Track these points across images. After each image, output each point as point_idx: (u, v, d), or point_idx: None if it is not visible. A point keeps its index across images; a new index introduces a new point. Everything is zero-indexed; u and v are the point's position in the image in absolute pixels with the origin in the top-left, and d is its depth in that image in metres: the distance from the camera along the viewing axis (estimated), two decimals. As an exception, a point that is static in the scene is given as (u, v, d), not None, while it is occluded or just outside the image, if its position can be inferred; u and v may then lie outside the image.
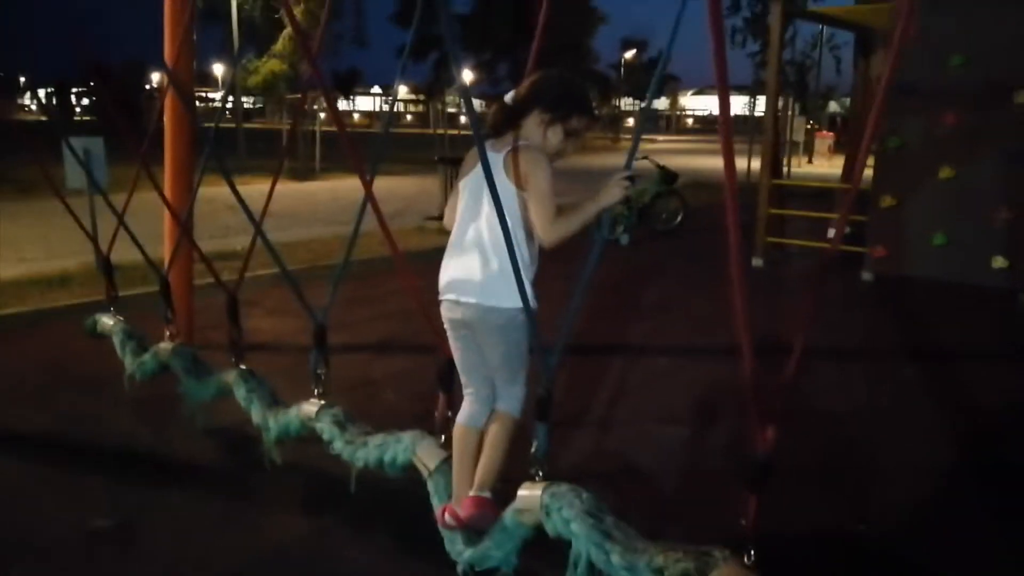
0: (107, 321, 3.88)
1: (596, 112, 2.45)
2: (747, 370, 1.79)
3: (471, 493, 2.35)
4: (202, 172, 3.42)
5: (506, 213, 1.98)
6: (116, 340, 3.75)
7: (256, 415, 2.96)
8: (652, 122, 67.12)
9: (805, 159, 25.15)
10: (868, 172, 8.28)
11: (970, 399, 4.31)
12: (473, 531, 2.33)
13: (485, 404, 2.44)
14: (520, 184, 2.22)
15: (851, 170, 10.00)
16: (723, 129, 1.60)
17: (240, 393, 3.03)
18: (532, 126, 2.30)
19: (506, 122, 2.33)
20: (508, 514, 2.18)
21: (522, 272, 2.04)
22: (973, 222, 6.70)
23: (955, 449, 3.62)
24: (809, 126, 29.13)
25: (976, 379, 4.63)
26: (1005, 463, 3.49)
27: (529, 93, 2.32)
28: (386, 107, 65.42)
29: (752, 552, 1.78)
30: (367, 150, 2.79)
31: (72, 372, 4.33)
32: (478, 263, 2.27)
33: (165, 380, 3.61)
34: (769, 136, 8.18)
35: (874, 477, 3.32)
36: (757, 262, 8.04)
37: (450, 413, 2.57)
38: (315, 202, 13.12)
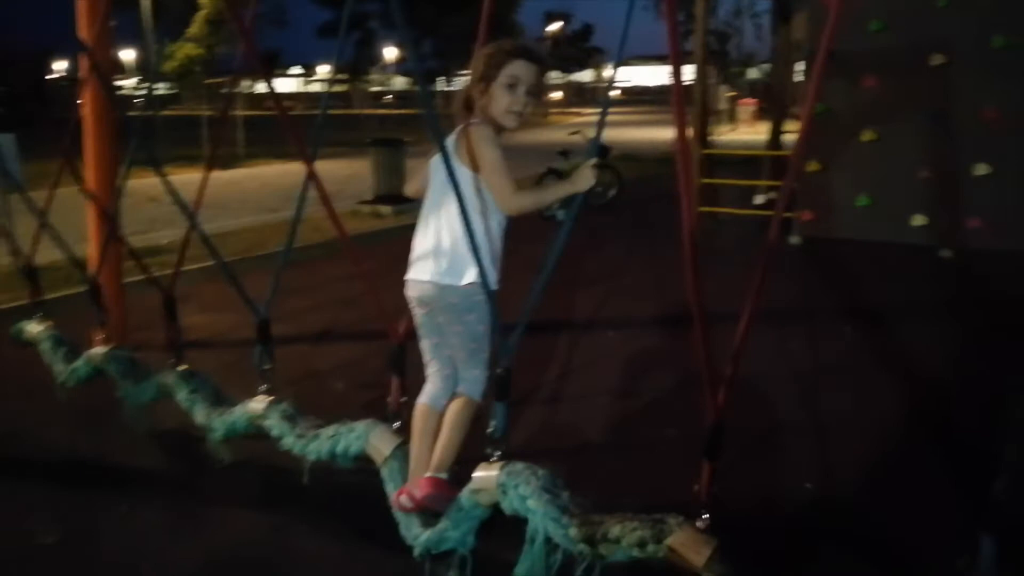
0: (34, 328, 3.69)
1: (538, 55, 2.35)
2: (698, 341, 1.82)
3: (427, 474, 2.34)
4: (129, 165, 3.28)
5: (463, 194, 1.98)
6: (45, 347, 3.57)
7: (200, 416, 2.87)
8: (580, 96, 67.37)
9: (729, 127, 25.66)
10: (792, 137, 8.53)
11: (903, 354, 4.50)
12: (429, 513, 2.32)
13: (447, 384, 2.44)
14: (473, 165, 2.21)
15: (777, 136, 10.23)
16: (677, 106, 1.60)
17: (182, 395, 2.94)
18: (479, 104, 2.28)
19: (462, 108, 2.32)
20: (465, 495, 2.18)
21: (480, 252, 2.03)
22: (894, 183, 6.97)
23: (894, 404, 3.78)
24: (733, 94, 29.73)
25: (906, 334, 4.83)
26: (940, 415, 3.65)
27: (470, 77, 2.31)
28: (308, 88, 63.94)
29: (705, 516, 1.83)
30: (305, 133, 2.71)
31: (1, 383, 4.12)
32: (436, 242, 2.29)
33: (101, 385, 3.47)
34: (698, 106, 8.30)
35: (817, 437, 3.44)
36: (691, 231, 8.20)
37: (404, 398, 2.55)
38: (243, 190, 12.76)
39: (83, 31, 4.04)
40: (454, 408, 2.39)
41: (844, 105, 7.07)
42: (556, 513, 1.91)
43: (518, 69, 2.26)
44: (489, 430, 2.11)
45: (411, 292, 2.39)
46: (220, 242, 7.51)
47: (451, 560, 2.25)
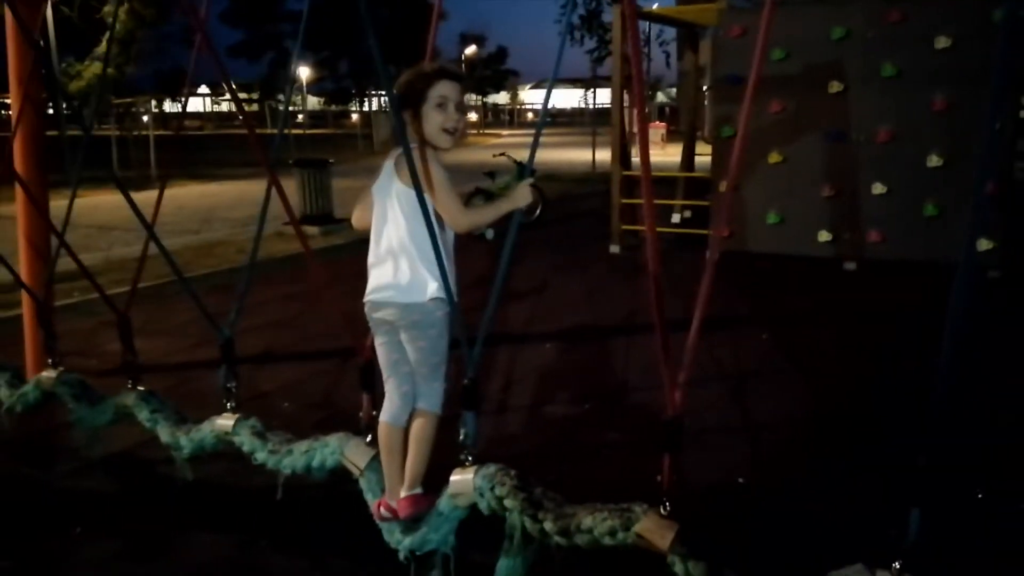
0: (-29, 354, 3.60)
1: (458, 74, 2.45)
2: (659, 342, 2.00)
3: (403, 493, 2.44)
4: (76, 184, 3.29)
5: (405, 213, 2.11)
6: (-15, 373, 3.49)
7: (164, 435, 2.88)
8: (496, 117, 68.09)
9: (658, 147, 26.49)
10: (706, 160, 8.99)
11: (813, 355, 4.86)
12: (410, 520, 2.42)
13: (405, 401, 2.51)
14: (414, 185, 2.29)
15: (689, 158, 10.72)
16: (641, 134, 1.78)
17: (143, 415, 2.93)
18: (412, 129, 2.36)
19: (398, 133, 2.41)
20: (443, 500, 2.30)
21: (441, 267, 2.17)
22: (801, 200, 7.44)
23: (807, 402, 4.09)
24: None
25: (815, 337, 5.22)
26: (848, 413, 3.97)
27: (396, 102, 2.37)
28: (216, 107, 62.41)
29: (667, 504, 2.00)
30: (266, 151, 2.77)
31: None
32: (392, 263, 2.36)
33: (45, 414, 3.41)
34: (616, 129, 8.64)
35: (746, 434, 3.70)
36: (614, 248, 8.50)
37: (375, 412, 2.63)
38: (161, 212, 12.41)
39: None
40: (418, 425, 2.46)
41: (752, 128, 7.51)
42: (532, 509, 2.05)
43: (445, 89, 2.34)
44: (460, 438, 2.24)
45: (373, 313, 2.45)
46: (151, 265, 7.41)
47: (434, 560, 2.37)
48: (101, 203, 13.01)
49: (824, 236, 7.45)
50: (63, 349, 4.40)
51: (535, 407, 4.06)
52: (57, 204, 3.15)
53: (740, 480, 3.23)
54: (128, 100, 18.06)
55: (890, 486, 2.62)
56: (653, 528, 1.91)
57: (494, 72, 56.90)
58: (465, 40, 50.23)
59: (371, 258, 2.45)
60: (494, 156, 11.10)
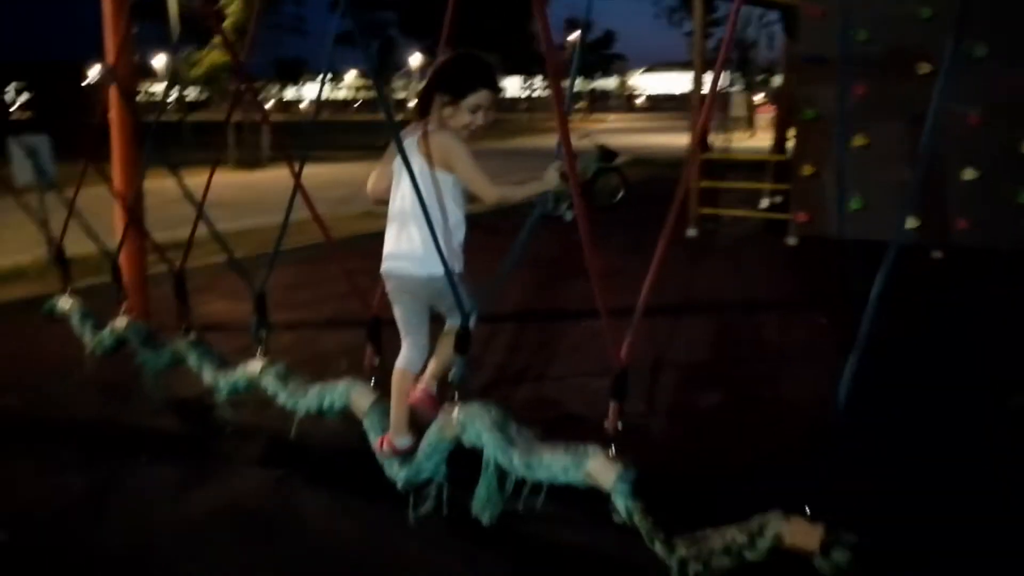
0: (64, 304, 4.11)
1: (497, 85, 2.63)
2: (598, 303, 2.14)
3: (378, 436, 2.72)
4: (146, 164, 3.67)
5: (422, 190, 2.30)
6: (74, 319, 3.98)
7: (207, 376, 3.26)
8: (603, 101, 67.67)
9: (748, 133, 25.80)
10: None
11: (887, 339, 4.77)
12: (407, 455, 2.69)
13: (422, 353, 2.77)
14: (434, 164, 2.52)
15: (781, 141, 10.48)
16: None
17: (191, 359, 3.32)
18: (438, 109, 2.56)
19: (422, 107, 2.62)
20: (432, 431, 2.56)
21: (440, 240, 2.37)
22: (886, 185, 7.19)
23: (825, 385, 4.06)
24: (762, 102, 29.86)
25: (891, 324, 5.09)
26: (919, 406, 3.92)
27: (431, 79, 2.58)
28: (334, 94, 64.75)
29: (613, 447, 2.18)
30: (304, 139, 3.07)
31: (35, 358, 4.53)
32: (403, 235, 2.59)
33: (125, 364, 3.86)
34: (696, 112, 8.56)
35: (741, 412, 3.75)
36: (691, 232, 8.47)
37: (378, 359, 2.90)
38: (262, 191, 13.23)
39: (108, 40, 4.45)
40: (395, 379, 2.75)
41: (835, 110, 7.33)
42: (504, 444, 2.27)
43: (483, 99, 2.53)
44: (450, 378, 2.47)
45: (387, 280, 2.70)
46: (237, 239, 8.01)
47: (429, 489, 2.63)
48: (215, 182, 13.94)
49: (910, 222, 7.19)
50: (160, 309, 4.98)
51: (566, 378, 4.22)
52: (174, 183, 3.55)
53: (716, 444, 3.32)
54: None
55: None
56: (600, 468, 2.09)
57: (600, 57, 56.42)
58: (570, 25, 50.05)
59: (392, 230, 2.66)
60: (577, 139, 11.18)
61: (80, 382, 4.03)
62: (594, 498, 2.24)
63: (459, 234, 2.64)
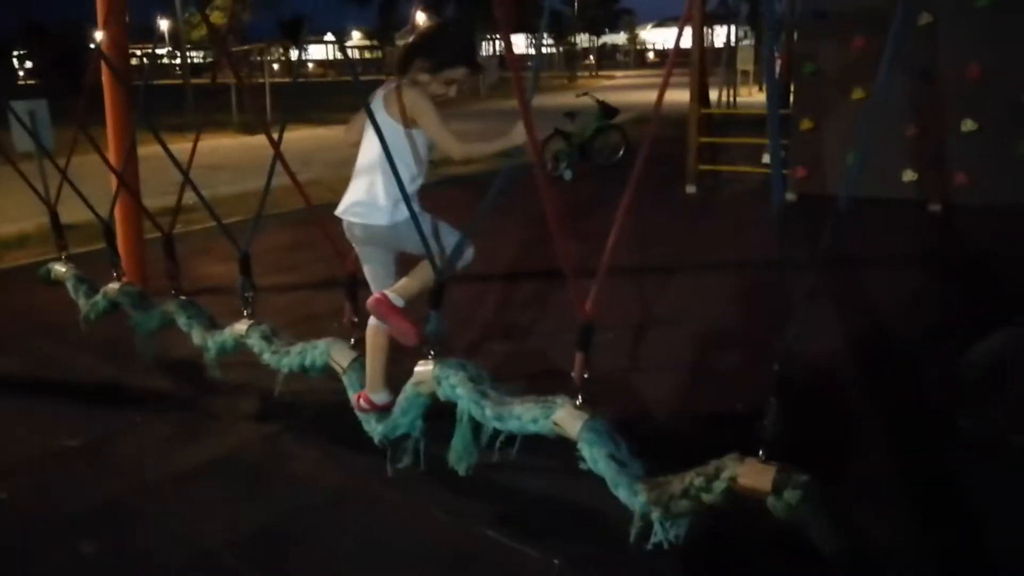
0: (60, 268, 4.19)
1: (477, 62, 2.71)
2: (565, 258, 2.19)
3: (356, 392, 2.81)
4: (135, 128, 3.71)
5: (389, 143, 2.36)
6: (69, 285, 4.07)
7: (196, 337, 3.34)
8: (611, 58, 66.76)
9: (756, 87, 25.49)
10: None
11: (874, 296, 4.82)
12: (383, 411, 2.78)
13: None
14: (403, 120, 2.57)
15: (783, 96, 10.37)
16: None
17: (181, 320, 3.41)
18: (416, 71, 2.63)
19: (402, 65, 2.66)
20: (408, 387, 2.63)
21: (408, 191, 2.47)
22: (884, 139, 7.13)
23: (853, 344, 4.10)
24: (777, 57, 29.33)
25: (889, 281, 5.13)
26: (903, 359, 3.97)
27: (414, 42, 2.65)
28: (340, 55, 64.08)
29: (580, 397, 2.25)
30: (285, 101, 3.10)
31: (35, 321, 4.65)
32: (366, 185, 2.66)
33: (121, 327, 3.95)
34: (696, 67, 8.49)
35: (693, 368, 3.81)
36: (690, 188, 8.46)
37: (355, 319, 2.96)
38: (264, 155, 13.14)
39: (99, 2, 4.46)
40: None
41: (834, 65, 7.26)
42: (477, 397, 2.36)
43: (460, 75, 2.63)
44: (426, 333, 2.53)
45: (348, 231, 2.77)
46: (237, 202, 8.09)
47: (406, 444, 2.73)
48: (217, 146, 13.99)
49: (909, 176, 7.17)
50: (157, 273, 5.06)
51: (553, 333, 4.29)
52: (180, 147, 3.60)
53: (693, 398, 3.39)
54: (246, 48, 19.06)
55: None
56: (567, 417, 2.18)
57: (607, 12, 55.46)
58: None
59: (353, 180, 2.73)
60: (577, 96, 11.12)
61: (78, 344, 4.14)
62: (566, 447, 2.31)
63: (413, 187, 2.68)
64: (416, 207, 2.61)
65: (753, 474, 1.94)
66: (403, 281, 2.74)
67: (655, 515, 2.09)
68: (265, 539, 2.51)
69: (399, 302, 2.69)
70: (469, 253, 2.76)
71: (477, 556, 2.40)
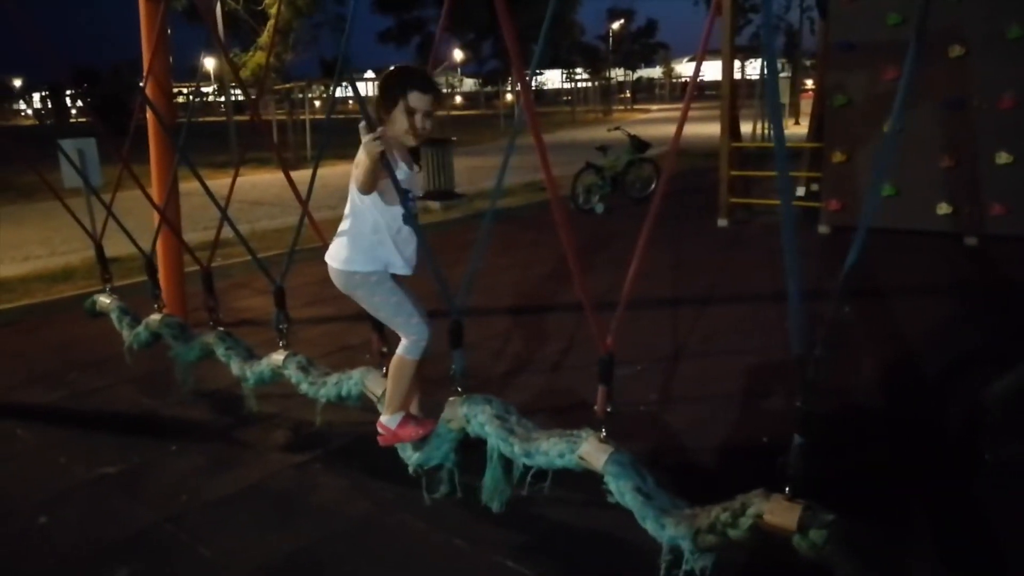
0: (104, 300, 4.35)
1: (430, 85, 2.61)
2: (583, 295, 2.24)
3: (382, 419, 2.87)
4: (177, 164, 3.86)
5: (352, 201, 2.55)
6: (113, 316, 4.22)
7: (235, 368, 3.44)
8: (647, 92, 67.14)
9: (792, 120, 25.36)
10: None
11: (905, 328, 4.76)
12: (402, 439, 2.87)
13: (418, 332, 2.80)
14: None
15: (818, 128, 10.34)
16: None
17: (220, 351, 3.51)
18: (385, 119, 2.63)
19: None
20: (440, 424, 2.70)
21: (371, 241, 2.60)
22: (918, 172, 7.09)
23: (882, 377, 4.07)
24: (811, 87, 29.26)
25: (919, 312, 5.07)
26: (933, 391, 3.93)
27: (378, 95, 2.64)
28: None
29: (604, 430, 2.27)
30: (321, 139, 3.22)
31: (79, 354, 4.81)
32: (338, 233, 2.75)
33: (161, 359, 4.08)
34: (726, 100, 8.53)
35: (720, 399, 3.79)
36: (722, 222, 8.45)
37: (385, 349, 3.03)
38: (304, 190, 13.51)
39: (144, 44, 4.66)
40: (393, 363, 2.81)
41: (867, 97, 7.25)
42: (505, 435, 2.41)
43: (416, 100, 2.56)
44: (451, 372, 2.59)
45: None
46: (277, 237, 8.29)
47: (440, 474, 2.78)
48: (258, 181, 14.34)
49: (943, 209, 7.08)
50: (198, 306, 5.21)
51: (584, 367, 4.31)
52: (222, 183, 3.75)
53: (764, 439, 3.36)
54: (288, 86, 19.58)
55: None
56: (592, 451, 2.21)
57: (643, 46, 55.86)
58: (612, 15, 49.67)
59: None
60: (608, 131, 11.21)
61: (119, 377, 4.28)
62: (590, 478, 2.32)
63: (390, 235, 2.68)
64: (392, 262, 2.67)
65: (779, 511, 1.92)
66: (388, 393, 2.83)
67: (684, 546, 2.09)
68: (293, 566, 2.56)
69: (395, 420, 2.82)
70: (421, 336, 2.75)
71: (499, 586, 2.43)
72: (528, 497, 2.61)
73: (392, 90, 2.58)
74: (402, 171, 2.57)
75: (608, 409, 2.26)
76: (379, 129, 2.41)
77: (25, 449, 3.57)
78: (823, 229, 7.75)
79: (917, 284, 5.84)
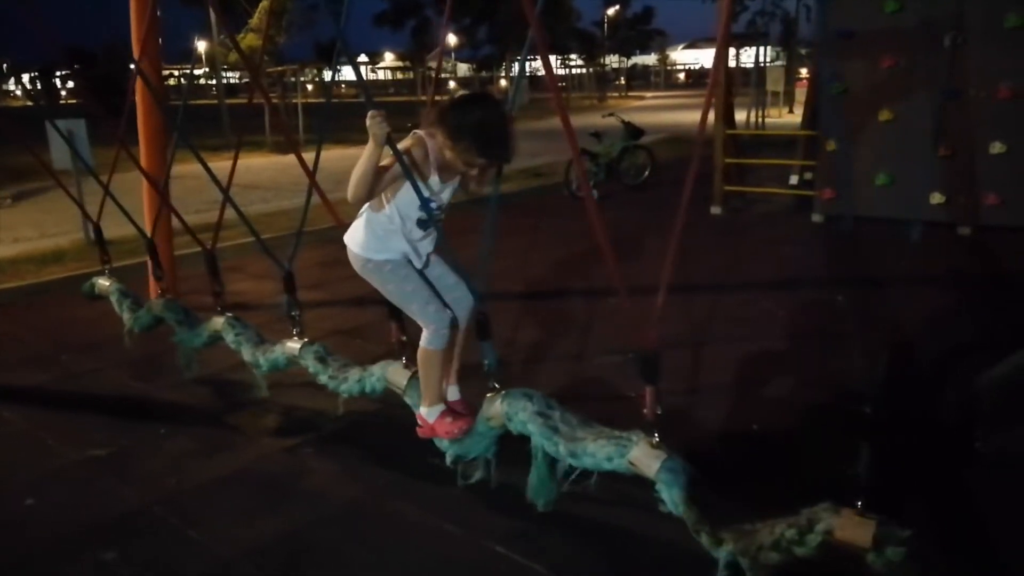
0: (104, 282, 4.30)
1: (507, 157, 2.49)
2: (620, 291, 2.20)
3: (421, 410, 2.80)
4: (174, 147, 3.81)
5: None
6: (113, 298, 4.17)
7: (247, 354, 3.40)
8: (642, 79, 66.88)
9: (784, 109, 25.32)
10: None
11: (897, 318, 4.74)
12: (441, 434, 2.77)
13: (438, 320, 2.70)
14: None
15: (812, 117, 10.31)
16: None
17: (229, 337, 3.47)
18: (436, 134, 2.47)
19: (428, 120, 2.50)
20: (479, 421, 2.62)
21: (386, 229, 2.53)
22: (912, 161, 7.07)
23: (875, 367, 4.05)
24: (807, 76, 29.18)
25: (911, 301, 5.06)
26: (923, 374, 3.92)
27: (442, 112, 2.45)
28: (371, 75, 64.89)
29: (656, 435, 2.17)
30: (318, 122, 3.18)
31: (70, 337, 4.77)
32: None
33: (153, 342, 4.04)
34: (721, 88, 8.47)
35: (759, 391, 3.78)
36: (716, 210, 8.43)
37: (404, 337, 2.98)
38: (298, 174, 13.39)
39: (134, 26, 4.60)
40: (419, 356, 2.73)
41: (862, 85, 7.22)
42: (549, 433, 2.33)
43: (485, 164, 2.46)
44: (485, 367, 2.56)
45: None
46: (271, 220, 8.23)
47: (478, 462, 2.73)
48: (252, 164, 14.24)
49: (937, 198, 7.08)
50: (189, 289, 5.18)
51: (582, 355, 4.30)
52: (216, 166, 3.69)
53: (754, 427, 3.35)
54: (280, 69, 19.42)
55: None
56: (643, 456, 2.12)
57: (639, 33, 55.45)
58: (608, 2, 49.31)
59: None
60: (603, 117, 11.16)
61: (112, 360, 4.25)
62: (645, 481, 2.22)
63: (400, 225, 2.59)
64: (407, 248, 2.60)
65: (851, 527, 1.81)
66: (421, 385, 2.76)
67: (743, 564, 1.96)
68: (283, 549, 2.55)
69: (433, 413, 2.75)
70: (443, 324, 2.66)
71: (490, 570, 2.42)
72: (517, 483, 2.58)
73: (473, 133, 2.38)
74: (434, 181, 2.49)
75: (658, 411, 2.16)
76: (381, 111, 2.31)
77: (14, 431, 3.55)
78: (816, 218, 7.73)
79: (909, 273, 5.84)
